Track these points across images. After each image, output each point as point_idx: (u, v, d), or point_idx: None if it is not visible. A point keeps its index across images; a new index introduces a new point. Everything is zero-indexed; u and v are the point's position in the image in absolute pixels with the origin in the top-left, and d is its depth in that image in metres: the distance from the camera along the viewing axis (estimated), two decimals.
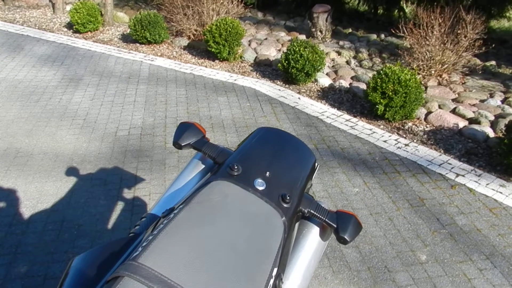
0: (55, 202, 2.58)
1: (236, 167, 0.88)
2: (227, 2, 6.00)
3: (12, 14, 7.13)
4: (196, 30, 6.00)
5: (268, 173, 0.90)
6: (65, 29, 6.50)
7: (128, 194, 2.70)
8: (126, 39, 6.10)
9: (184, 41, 6.00)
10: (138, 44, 5.89)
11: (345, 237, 0.90)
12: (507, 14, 6.94)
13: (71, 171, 2.92)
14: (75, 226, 2.38)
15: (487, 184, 3.02)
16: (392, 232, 2.50)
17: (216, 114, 3.93)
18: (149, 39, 5.70)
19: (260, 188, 0.86)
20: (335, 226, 0.92)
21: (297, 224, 0.95)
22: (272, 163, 0.95)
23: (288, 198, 0.86)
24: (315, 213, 0.94)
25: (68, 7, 7.22)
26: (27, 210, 2.50)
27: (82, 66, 5.03)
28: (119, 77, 4.73)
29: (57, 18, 7.06)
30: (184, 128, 1.05)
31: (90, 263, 0.79)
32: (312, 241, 0.96)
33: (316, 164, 1.09)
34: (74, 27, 6.19)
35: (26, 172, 2.88)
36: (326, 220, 0.93)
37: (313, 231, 0.97)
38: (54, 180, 2.80)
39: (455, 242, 2.44)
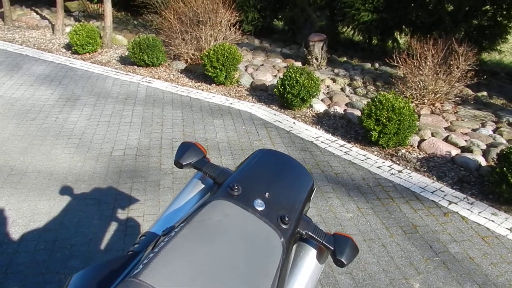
0: (48, 221, 2.55)
1: (236, 187, 0.89)
2: (225, 29, 6.12)
3: (12, 34, 7.20)
4: (193, 55, 6.09)
5: (267, 194, 0.92)
6: (64, 50, 6.56)
7: (122, 214, 2.68)
8: (124, 61, 6.17)
9: (182, 65, 6.08)
10: (136, 67, 5.95)
11: (342, 260, 0.91)
12: (498, 47, 7.13)
13: (65, 190, 2.91)
14: (67, 246, 2.35)
15: (480, 212, 3.05)
16: (386, 259, 2.50)
17: (212, 137, 3.96)
18: (147, 61, 5.78)
19: (260, 208, 0.87)
20: (332, 248, 0.93)
21: (294, 246, 0.95)
22: (271, 184, 0.96)
23: (287, 219, 0.87)
24: (312, 235, 0.94)
25: (68, 29, 7.32)
26: (19, 228, 2.47)
27: (79, 86, 5.06)
28: (116, 98, 4.76)
29: (56, 39, 7.14)
30: (186, 148, 1.06)
31: (89, 281, 0.79)
32: (309, 263, 0.97)
33: (314, 186, 1.11)
34: (73, 48, 6.26)
35: (20, 190, 2.86)
36: (324, 242, 0.94)
37: (311, 253, 0.98)
38: (47, 199, 2.78)
39: (448, 270, 2.44)
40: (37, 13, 8.71)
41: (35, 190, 2.88)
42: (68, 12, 8.81)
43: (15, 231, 2.44)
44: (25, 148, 3.46)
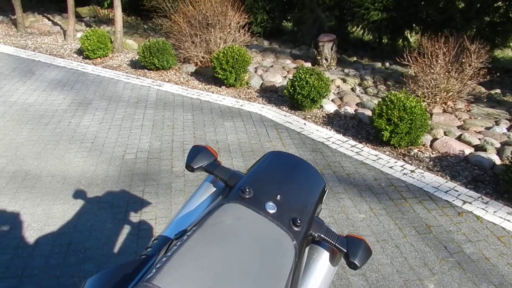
0: (62, 225, 2.58)
1: (247, 190, 0.89)
2: (234, 31, 6.13)
3: (25, 41, 7.31)
4: (203, 57, 6.12)
5: (279, 196, 0.91)
6: (76, 55, 6.64)
7: (134, 217, 2.70)
8: (135, 65, 6.23)
9: (192, 68, 6.11)
10: (146, 70, 6.00)
11: (355, 262, 0.90)
12: (511, 44, 7.03)
13: (78, 194, 2.94)
14: (81, 250, 2.38)
15: (495, 212, 3.00)
16: (399, 260, 2.47)
17: (223, 139, 3.97)
18: (157, 65, 5.82)
19: (271, 211, 0.87)
20: (345, 251, 0.92)
21: (307, 249, 0.95)
22: (282, 186, 0.96)
23: (299, 221, 0.87)
24: (325, 237, 0.94)
25: (79, 34, 7.40)
26: (34, 232, 2.50)
27: (91, 90, 5.12)
28: (127, 102, 4.80)
29: (68, 44, 7.23)
30: (197, 151, 1.06)
31: (103, 285, 0.79)
32: (322, 266, 0.96)
33: (326, 188, 1.10)
34: (84, 53, 6.33)
35: (34, 195, 2.90)
36: (336, 244, 0.93)
37: (323, 256, 0.97)
38: (61, 203, 2.82)
39: (463, 271, 2.41)
40: (49, 19, 8.83)
41: (50, 194, 2.91)
42: (79, 17, 8.92)
43: (30, 235, 2.48)
44: (39, 153, 3.51)
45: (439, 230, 2.77)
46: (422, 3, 7.06)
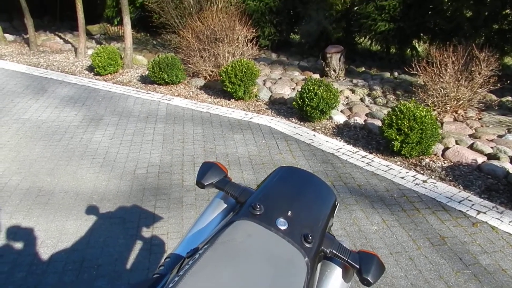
0: (75, 241, 2.60)
1: (258, 207, 0.89)
2: (242, 45, 6.19)
3: (37, 59, 7.46)
4: (212, 71, 6.17)
5: (290, 212, 0.91)
6: (87, 72, 6.75)
7: (146, 233, 2.71)
8: (145, 80, 6.30)
9: (201, 82, 6.16)
10: (156, 85, 6.07)
11: (369, 278, 0.89)
12: None
13: (91, 209, 2.96)
14: (94, 266, 2.39)
15: (510, 222, 2.95)
16: (414, 273, 2.44)
17: (233, 152, 3.98)
18: (166, 80, 5.88)
19: (282, 227, 0.87)
20: (358, 267, 0.92)
21: (319, 265, 0.94)
22: (293, 202, 0.96)
23: (310, 238, 0.86)
24: (337, 253, 0.93)
25: (90, 52, 7.53)
26: (48, 249, 2.52)
27: (102, 106, 5.18)
28: (138, 117, 4.85)
29: (79, 61, 7.36)
30: (207, 168, 1.07)
31: None
32: (334, 282, 0.95)
33: (337, 202, 1.10)
34: (95, 70, 6.43)
35: (48, 211, 2.93)
36: (349, 260, 0.93)
37: (336, 272, 0.96)
38: (74, 219, 2.84)
39: (480, 284, 2.36)
40: (60, 37, 9.01)
41: (63, 211, 2.94)
42: (89, 35, 9.09)
43: (44, 252, 2.50)
44: (52, 169, 3.55)
45: (453, 242, 2.73)
46: (430, 12, 7.06)
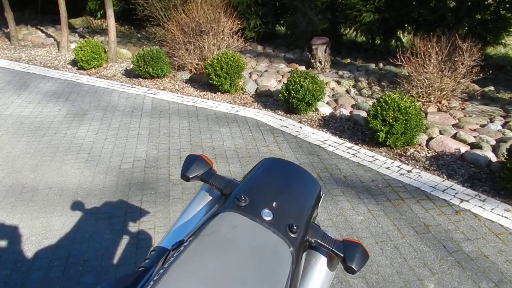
0: (61, 237, 2.58)
1: (243, 198, 0.89)
2: (228, 37, 6.15)
3: (18, 53, 7.31)
4: (197, 64, 6.13)
5: (274, 203, 0.92)
6: (70, 66, 6.65)
7: (133, 227, 2.70)
8: (129, 74, 6.23)
9: (186, 75, 6.12)
10: (141, 79, 6.01)
11: (353, 266, 0.91)
12: (503, 41, 7.08)
13: (76, 205, 2.93)
14: (80, 262, 2.37)
15: (492, 209, 3.01)
16: (399, 261, 2.48)
17: (219, 145, 3.97)
18: (151, 73, 5.83)
19: (267, 218, 0.87)
20: (342, 255, 0.93)
21: (304, 255, 0.95)
22: (278, 193, 0.96)
23: (295, 228, 0.87)
24: (322, 242, 0.94)
25: (73, 45, 7.41)
26: (32, 246, 2.49)
27: (86, 101, 5.12)
28: (123, 111, 4.81)
29: (61, 56, 7.24)
30: (192, 161, 1.07)
31: None
32: (319, 271, 0.96)
33: (321, 193, 1.10)
34: (78, 64, 6.34)
35: (32, 208, 2.89)
36: (333, 249, 0.94)
37: (321, 261, 0.97)
38: (59, 215, 2.81)
39: (463, 270, 2.42)
40: (42, 31, 8.84)
41: (47, 207, 2.91)
42: (72, 29, 8.93)
43: (29, 249, 2.47)
44: (35, 165, 3.50)
45: (437, 230, 2.78)
46: (414, 3, 7.11)
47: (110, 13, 6.59)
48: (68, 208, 2.90)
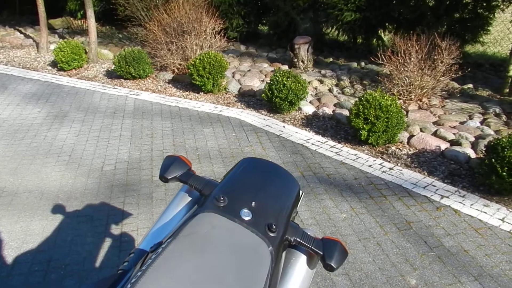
0: (41, 241, 2.54)
1: (222, 198, 0.89)
2: (210, 37, 6.13)
3: None
4: (180, 64, 6.10)
5: (253, 203, 0.92)
6: (50, 68, 6.54)
7: (115, 230, 2.67)
8: (111, 75, 6.16)
9: (169, 75, 6.08)
10: (122, 80, 5.94)
11: (332, 264, 0.92)
12: (481, 39, 7.21)
13: (57, 208, 2.89)
14: (62, 266, 2.33)
15: (472, 205, 3.08)
16: (381, 257, 2.51)
17: (202, 145, 3.96)
18: (133, 74, 5.77)
19: (246, 218, 0.87)
20: (321, 253, 0.94)
21: (284, 253, 0.96)
22: (257, 193, 0.97)
23: (274, 227, 0.88)
24: (301, 241, 0.95)
25: (52, 46, 7.29)
26: (12, 251, 2.45)
27: (67, 103, 5.04)
28: (104, 113, 4.75)
29: (41, 57, 7.11)
30: (170, 162, 1.06)
31: None
32: (299, 269, 0.97)
33: (301, 192, 1.11)
34: (58, 65, 6.23)
35: (11, 212, 2.84)
36: (312, 247, 0.95)
37: (300, 260, 0.98)
38: (39, 219, 2.76)
39: (444, 265, 2.46)
40: (20, 32, 8.67)
41: (27, 211, 2.86)
42: (52, 29, 8.77)
43: (8, 254, 2.42)
44: (14, 169, 3.44)
45: (418, 226, 2.82)
46: (394, 2, 7.19)
47: (91, 13, 6.50)
48: (49, 211, 2.85)
